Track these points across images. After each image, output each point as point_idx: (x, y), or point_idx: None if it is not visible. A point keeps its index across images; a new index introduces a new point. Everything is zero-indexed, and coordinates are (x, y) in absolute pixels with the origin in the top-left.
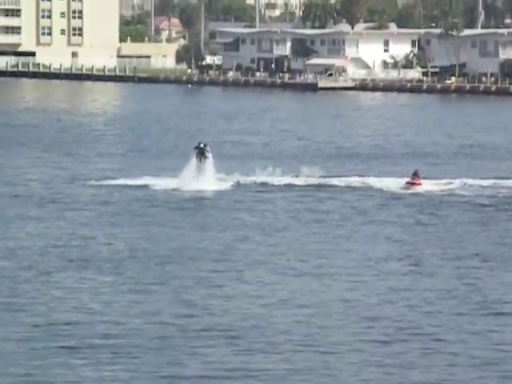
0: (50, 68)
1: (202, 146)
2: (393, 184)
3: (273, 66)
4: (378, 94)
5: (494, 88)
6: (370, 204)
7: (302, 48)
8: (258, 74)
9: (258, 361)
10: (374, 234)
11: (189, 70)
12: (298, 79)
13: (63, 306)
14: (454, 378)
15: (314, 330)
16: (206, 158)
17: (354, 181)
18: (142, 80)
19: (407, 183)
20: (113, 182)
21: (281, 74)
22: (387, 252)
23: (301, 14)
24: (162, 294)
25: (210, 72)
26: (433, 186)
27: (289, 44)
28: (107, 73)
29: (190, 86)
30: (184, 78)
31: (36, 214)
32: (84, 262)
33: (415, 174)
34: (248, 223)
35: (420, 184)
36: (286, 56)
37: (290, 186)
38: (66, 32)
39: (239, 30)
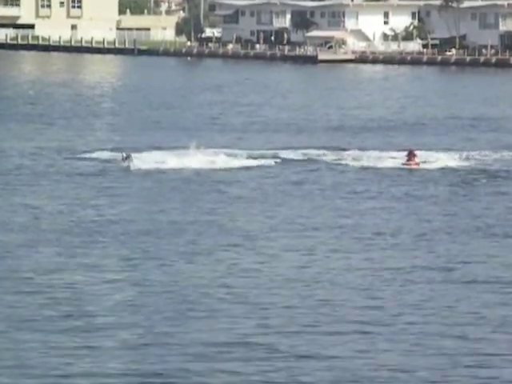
0: (49, 40)
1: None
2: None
3: (272, 38)
4: (378, 67)
5: (494, 60)
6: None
7: (302, 20)
8: (257, 46)
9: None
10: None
11: (188, 43)
12: (298, 51)
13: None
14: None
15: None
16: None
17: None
18: (141, 52)
19: (403, 164)
20: (97, 155)
21: (280, 47)
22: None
23: None
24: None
25: (210, 44)
26: (429, 165)
27: (288, 16)
28: (106, 45)
29: (189, 58)
30: (183, 50)
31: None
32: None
33: (410, 154)
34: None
35: (417, 164)
36: (286, 28)
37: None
38: (65, 4)
39: (239, 2)
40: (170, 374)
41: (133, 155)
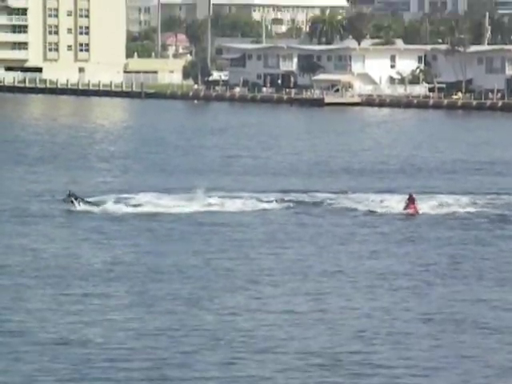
0: (56, 84)
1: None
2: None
3: (279, 81)
4: (384, 110)
5: (500, 104)
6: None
7: (309, 64)
8: (264, 89)
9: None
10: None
11: (195, 86)
12: (305, 95)
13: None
14: None
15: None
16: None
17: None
18: (148, 95)
19: (404, 209)
20: (103, 198)
21: (287, 90)
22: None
23: (307, 29)
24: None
25: (217, 88)
26: (430, 210)
27: (295, 60)
28: (114, 88)
29: (196, 101)
30: (190, 93)
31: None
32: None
33: (410, 199)
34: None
35: (416, 211)
36: (293, 72)
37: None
38: (73, 48)
39: (246, 45)
40: None
41: (74, 197)
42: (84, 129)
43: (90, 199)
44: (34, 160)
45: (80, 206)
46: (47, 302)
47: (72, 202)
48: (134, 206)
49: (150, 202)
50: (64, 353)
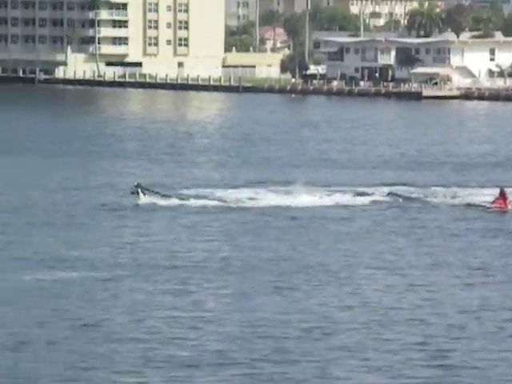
0: (156, 78)
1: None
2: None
3: (377, 75)
4: (483, 103)
5: None
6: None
7: (407, 57)
8: (362, 83)
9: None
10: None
11: (293, 80)
12: (403, 88)
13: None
14: None
15: None
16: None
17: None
18: (246, 90)
19: (493, 203)
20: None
21: (385, 83)
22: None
23: (405, 22)
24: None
25: (314, 81)
26: None
27: (393, 53)
28: (212, 83)
29: (293, 95)
30: (288, 87)
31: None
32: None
33: (501, 194)
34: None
35: (505, 206)
36: (391, 65)
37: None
38: (172, 42)
39: (343, 39)
40: None
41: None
42: (182, 123)
43: (165, 193)
44: (132, 154)
45: (145, 199)
46: (144, 295)
47: (138, 193)
48: (227, 200)
49: (245, 196)
50: (165, 347)
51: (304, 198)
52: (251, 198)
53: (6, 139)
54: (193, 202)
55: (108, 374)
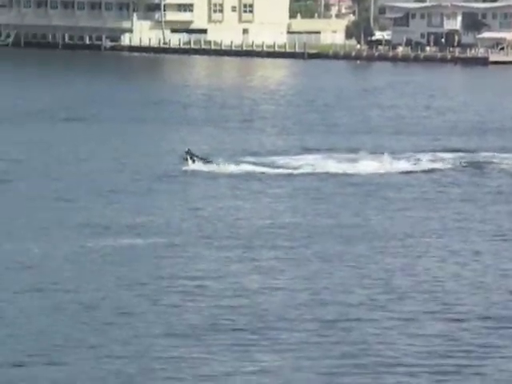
0: (221, 45)
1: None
2: None
3: (443, 40)
4: None
5: None
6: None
7: (473, 22)
8: (427, 48)
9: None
10: None
11: (358, 46)
12: (469, 53)
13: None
14: None
15: None
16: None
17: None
18: (311, 56)
19: None
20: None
21: (451, 49)
22: None
23: None
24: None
25: (380, 47)
26: None
27: (459, 18)
28: (277, 49)
29: (358, 61)
30: (353, 53)
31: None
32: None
33: None
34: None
35: None
36: (457, 30)
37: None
38: (237, 9)
39: (409, 4)
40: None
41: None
42: (247, 90)
43: (213, 160)
44: (197, 121)
45: (194, 165)
46: (208, 262)
47: (186, 159)
48: (290, 167)
49: (309, 163)
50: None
51: (368, 165)
52: (313, 165)
53: (73, 106)
54: (243, 168)
55: (171, 341)
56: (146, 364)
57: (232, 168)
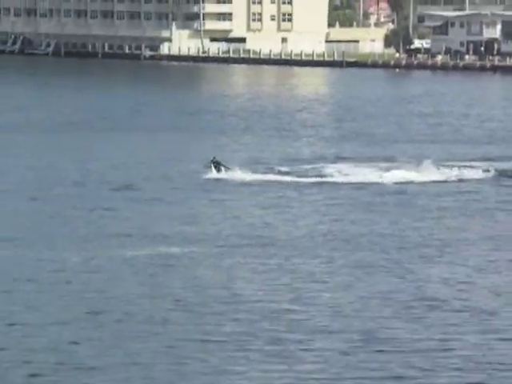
0: (259, 54)
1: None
2: None
3: (482, 48)
4: None
5: None
6: None
7: None
8: (467, 57)
9: None
10: None
11: (397, 54)
12: (509, 62)
13: None
14: None
15: None
16: (220, 170)
17: None
18: (349, 65)
19: None
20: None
21: (490, 57)
22: None
23: None
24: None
25: (419, 56)
26: None
27: (499, 26)
28: (316, 58)
29: (397, 70)
30: (392, 62)
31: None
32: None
33: None
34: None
35: None
36: (496, 39)
37: None
38: (276, 18)
39: (448, 13)
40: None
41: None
42: (286, 98)
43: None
44: (236, 130)
45: (215, 174)
46: (245, 271)
47: (210, 167)
48: (327, 175)
49: (345, 172)
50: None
51: (406, 173)
52: (349, 174)
53: (111, 116)
54: (273, 178)
55: (206, 350)
56: (183, 372)
57: (259, 177)
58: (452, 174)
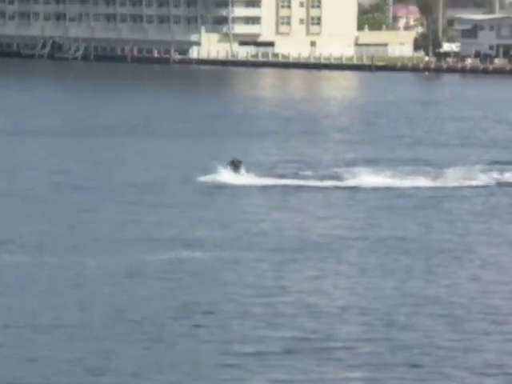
0: (288, 57)
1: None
2: None
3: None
4: None
5: None
6: None
7: None
8: (496, 60)
9: None
10: None
11: (426, 58)
12: None
13: None
14: None
15: None
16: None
17: None
18: (378, 68)
19: None
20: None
21: None
22: None
23: None
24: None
25: (448, 59)
26: None
27: None
28: (345, 61)
29: (426, 73)
30: (421, 65)
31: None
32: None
33: None
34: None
35: None
36: None
37: None
38: (305, 21)
39: (478, 16)
40: None
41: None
42: (315, 102)
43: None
44: (262, 133)
45: (228, 176)
46: (270, 278)
47: (230, 168)
48: (351, 178)
49: (370, 175)
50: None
51: (434, 178)
52: (374, 177)
53: (141, 120)
54: (293, 182)
55: (232, 359)
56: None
57: (280, 181)
58: (479, 178)
